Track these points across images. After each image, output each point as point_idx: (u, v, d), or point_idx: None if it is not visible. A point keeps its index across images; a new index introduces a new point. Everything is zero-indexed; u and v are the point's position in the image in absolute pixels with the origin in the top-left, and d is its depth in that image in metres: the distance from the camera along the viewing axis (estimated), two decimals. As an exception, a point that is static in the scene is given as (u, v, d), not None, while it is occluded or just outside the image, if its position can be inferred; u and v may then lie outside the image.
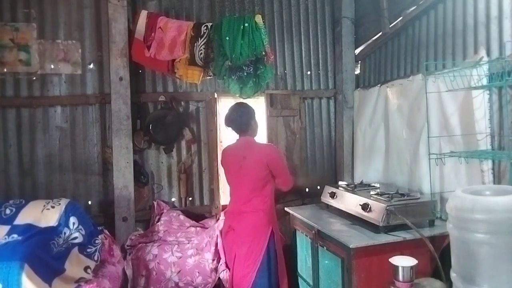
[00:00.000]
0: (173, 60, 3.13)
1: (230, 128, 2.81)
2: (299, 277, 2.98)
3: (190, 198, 3.57)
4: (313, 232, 2.57)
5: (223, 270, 2.93)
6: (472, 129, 2.24)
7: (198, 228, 3.28)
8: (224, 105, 3.66)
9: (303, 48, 3.84)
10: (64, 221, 2.45)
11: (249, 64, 2.97)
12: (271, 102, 3.65)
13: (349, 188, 2.82)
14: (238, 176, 2.71)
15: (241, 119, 2.72)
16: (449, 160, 2.34)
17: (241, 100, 3.08)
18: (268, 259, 2.58)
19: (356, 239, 2.22)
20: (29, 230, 2.31)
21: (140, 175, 3.38)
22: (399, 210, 2.24)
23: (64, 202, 2.57)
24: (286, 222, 3.32)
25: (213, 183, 3.57)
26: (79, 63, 3.31)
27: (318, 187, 3.83)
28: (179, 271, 2.91)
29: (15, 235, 2.28)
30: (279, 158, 2.73)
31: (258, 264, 2.55)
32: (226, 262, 2.88)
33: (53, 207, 2.50)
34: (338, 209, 2.74)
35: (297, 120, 3.77)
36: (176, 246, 3.00)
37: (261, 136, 3.49)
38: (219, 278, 2.98)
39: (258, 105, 3.69)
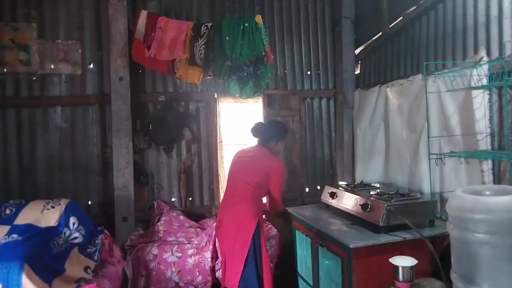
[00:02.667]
0: (173, 60, 3.13)
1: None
2: (299, 277, 2.98)
3: (190, 198, 3.57)
4: (313, 232, 2.57)
5: (219, 269, 2.94)
6: (472, 129, 2.24)
7: (197, 228, 3.28)
8: (224, 105, 3.67)
9: (303, 48, 3.84)
10: (64, 221, 2.44)
11: (249, 64, 2.97)
12: (269, 103, 3.65)
13: (349, 188, 2.82)
14: (238, 169, 2.82)
15: (264, 134, 2.88)
16: (449, 160, 2.34)
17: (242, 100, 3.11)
18: (255, 250, 2.61)
19: (356, 239, 2.22)
20: (29, 230, 2.31)
21: (140, 175, 3.38)
22: (399, 210, 2.24)
23: (64, 202, 2.57)
24: (286, 222, 3.32)
25: (213, 183, 3.58)
26: (79, 63, 3.32)
27: (318, 187, 3.84)
28: (179, 271, 2.92)
29: (15, 235, 2.27)
30: (280, 176, 2.82)
31: (246, 251, 2.58)
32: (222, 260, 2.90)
33: (53, 207, 2.50)
34: (338, 209, 2.73)
35: (297, 120, 3.77)
36: (176, 246, 3.00)
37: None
38: (216, 277, 2.99)
39: (258, 105, 3.70)
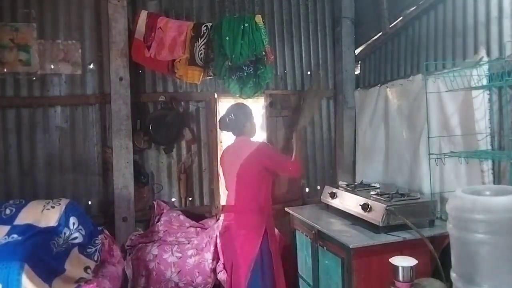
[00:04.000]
0: (173, 60, 3.13)
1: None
2: (299, 277, 2.98)
3: (190, 198, 3.57)
4: (313, 232, 2.57)
5: (221, 271, 2.93)
6: (472, 129, 2.24)
7: (198, 228, 3.28)
8: (224, 105, 3.67)
9: (303, 48, 3.84)
10: (64, 221, 2.44)
11: (249, 64, 2.96)
12: (271, 103, 3.64)
13: (349, 188, 2.82)
14: (231, 175, 2.63)
15: (234, 123, 2.64)
16: (449, 160, 2.34)
17: (239, 101, 3.07)
18: (262, 260, 2.48)
19: (356, 239, 2.22)
20: (29, 230, 2.31)
21: (140, 175, 3.38)
22: (399, 210, 2.24)
23: (64, 202, 2.57)
24: (286, 222, 3.32)
25: (213, 183, 3.57)
26: (79, 63, 3.31)
27: (318, 187, 3.84)
28: (179, 271, 2.92)
29: (15, 235, 2.27)
30: (271, 153, 2.61)
31: (252, 264, 2.44)
32: (223, 263, 2.86)
33: (53, 207, 2.50)
34: (338, 209, 2.73)
35: (297, 120, 3.76)
36: (176, 246, 3.00)
37: (261, 137, 3.49)
38: (217, 278, 2.98)
39: (259, 105, 3.70)
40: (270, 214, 2.64)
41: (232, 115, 2.66)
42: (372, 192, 2.59)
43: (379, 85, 3.29)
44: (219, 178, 3.57)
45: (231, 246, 2.59)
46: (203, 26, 3.10)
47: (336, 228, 2.48)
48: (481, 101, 2.20)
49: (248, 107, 2.75)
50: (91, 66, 3.36)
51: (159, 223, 3.23)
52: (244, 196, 2.57)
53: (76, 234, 2.43)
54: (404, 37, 3.09)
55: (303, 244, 2.87)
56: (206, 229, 3.25)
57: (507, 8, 2.12)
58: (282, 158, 2.66)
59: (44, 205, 2.52)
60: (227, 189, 2.75)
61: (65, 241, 2.37)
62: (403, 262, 1.83)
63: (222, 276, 2.91)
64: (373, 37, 3.50)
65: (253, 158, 2.53)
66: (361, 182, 3.00)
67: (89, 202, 3.33)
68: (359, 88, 3.73)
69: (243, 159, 2.55)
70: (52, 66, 3.26)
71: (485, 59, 2.18)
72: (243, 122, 2.66)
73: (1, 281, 1.90)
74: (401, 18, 3.07)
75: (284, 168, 2.63)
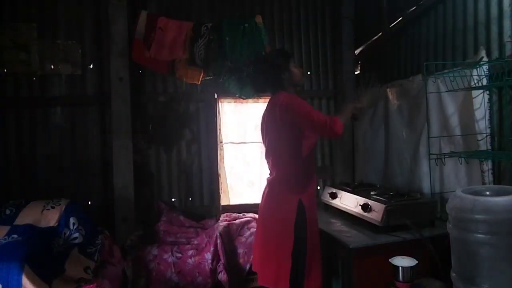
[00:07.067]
0: (173, 60, 3.13)
1: None
2: (299, 277, 2.98)
3: (190, 198, 3.57)
4: (313, 232, 2.57)
5: (221, 271, 2.92)
6: (472, 129, 2.24)
7: (198, 229, 3.28)
8: (224, 105, 3.67)
9: (303, 49, 3.84)
10: (64, 222, 2.45)
11: (249, 64, 2.97)
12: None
13: (349, 188, 2.82)
14: None
15: None
16: (449, 160, 2.34)
17: (242, 100, 3.07)
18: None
19: (356, 239, 2.22)
20: (29, 230, 2.32)
21: (140, 175, 3.38)
22: (399, 210, 2.24)
23: (64, 202, 2.57)
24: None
25: (213, 183, 3.57)
26: (79, 63, 3.31)
27: (318, 187, 3.84)
28: (179, 272, 2.91)
29: (15, 236, 2.28)
30: None
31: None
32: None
33: (53, 207, 2.51)
34: (338, 209, 2.73)
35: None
36: (176, 246, 3.00)
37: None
38: (218, 279, 2.97)
39: (259, 105, 3.70)
40: None
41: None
42: (372, 192, 2.59)
43: (379, 85, 3.28)
44: (220, 178, 3.57)
45: None
46: (203, 26, 3.10)
47: (336, 228, 2.48)
48: (481, 101, 2.20)
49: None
50: (91, 66, 3.36)
51: (159, 224, 3.22)
52: None
53: (76, 234, 2.43)
54: (404, 37, 3.09)
55: (303, 244, 2.86)
56: (206, 229, 3.24)
57: (507, 8, 2.11)
58: None
59: (44, 205, 2.53)
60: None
61: (65, 241, 2.37)
62: (403, 262, 1.84)
63: (222, 276, 2.90)
64: (373, 37, 3.50)
65: None
66: (361, 182, 3.01)
67: (89, 202, 3.33)
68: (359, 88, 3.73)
69: None
70: (52, 66, 3.26)
71: (485, 59, 2.18)
72: None
73: (1, 281, 1.91)
74: (401, 18, 3.07)
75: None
